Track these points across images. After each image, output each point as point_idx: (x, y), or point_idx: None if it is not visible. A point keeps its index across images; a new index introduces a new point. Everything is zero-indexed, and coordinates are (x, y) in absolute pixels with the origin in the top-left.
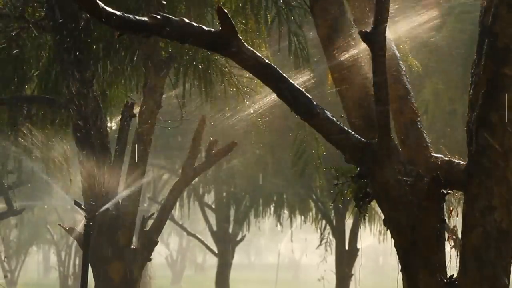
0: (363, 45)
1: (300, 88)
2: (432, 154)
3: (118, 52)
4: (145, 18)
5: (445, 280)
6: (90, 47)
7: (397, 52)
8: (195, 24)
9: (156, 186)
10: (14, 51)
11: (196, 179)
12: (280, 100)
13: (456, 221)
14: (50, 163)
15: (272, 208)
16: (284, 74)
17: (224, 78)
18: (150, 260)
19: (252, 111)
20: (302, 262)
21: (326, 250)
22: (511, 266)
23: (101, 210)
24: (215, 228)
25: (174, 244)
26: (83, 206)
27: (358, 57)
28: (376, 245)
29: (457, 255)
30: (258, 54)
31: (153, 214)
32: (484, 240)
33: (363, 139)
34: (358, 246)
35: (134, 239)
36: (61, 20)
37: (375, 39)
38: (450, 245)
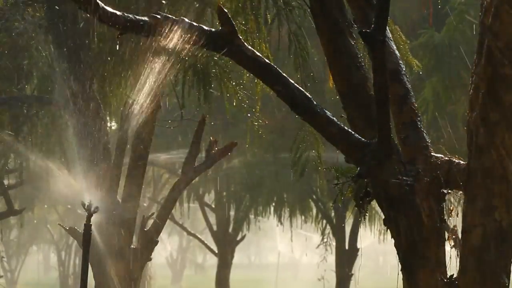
0: (363, 45)
1: (300, 88)
2: (432, 154)
3: (118, 52)
4: (145, 18)
5: (445, 280)
6: (90, 46)
7: (397, 52)
8: (195, 23)
9: (156, 186)
10: (14, 51)
11: (196, 179)
12: (280, 100)
13: (456, 221)
14: (50, 163)
15: (272, 208)
16: (284, 74)
17: (224, 78)
18: (150, 260)
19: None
20: (302, 262)
21: (326, 249)
22: (511, 266)
23: (99, 210)
24: (215, 228)
25: (174, 244)
26: (86, 207)
27: (358, 56)
28: (376, 245)
29: (457, 255)
30: (258, 54)
31: (153, 214)
32: (484, 240)
33: (363, 139)
34: (358, 246)
35: (134, 239)
36: (61, 20)
37: (375, 39)
38: (450, 245)
